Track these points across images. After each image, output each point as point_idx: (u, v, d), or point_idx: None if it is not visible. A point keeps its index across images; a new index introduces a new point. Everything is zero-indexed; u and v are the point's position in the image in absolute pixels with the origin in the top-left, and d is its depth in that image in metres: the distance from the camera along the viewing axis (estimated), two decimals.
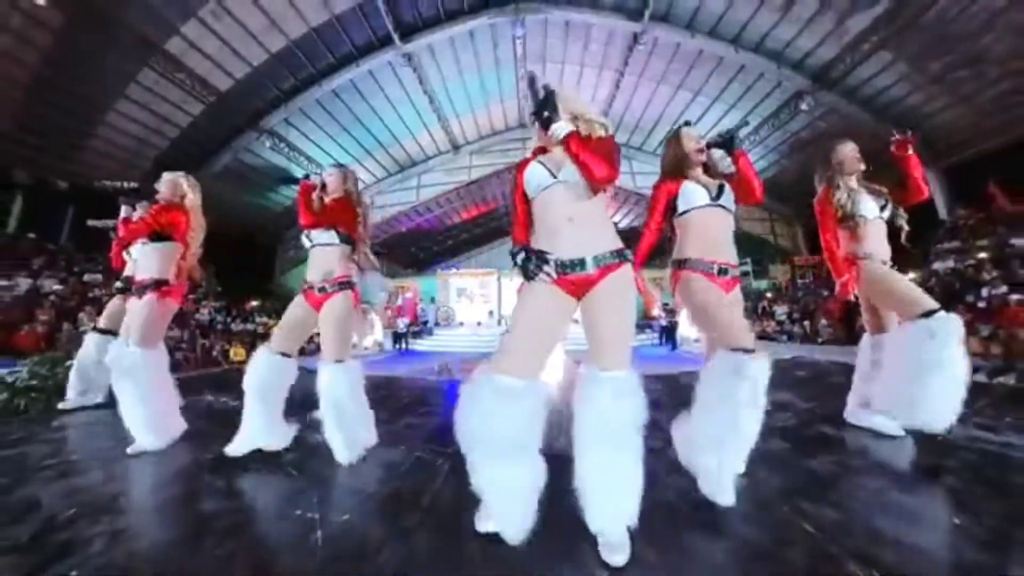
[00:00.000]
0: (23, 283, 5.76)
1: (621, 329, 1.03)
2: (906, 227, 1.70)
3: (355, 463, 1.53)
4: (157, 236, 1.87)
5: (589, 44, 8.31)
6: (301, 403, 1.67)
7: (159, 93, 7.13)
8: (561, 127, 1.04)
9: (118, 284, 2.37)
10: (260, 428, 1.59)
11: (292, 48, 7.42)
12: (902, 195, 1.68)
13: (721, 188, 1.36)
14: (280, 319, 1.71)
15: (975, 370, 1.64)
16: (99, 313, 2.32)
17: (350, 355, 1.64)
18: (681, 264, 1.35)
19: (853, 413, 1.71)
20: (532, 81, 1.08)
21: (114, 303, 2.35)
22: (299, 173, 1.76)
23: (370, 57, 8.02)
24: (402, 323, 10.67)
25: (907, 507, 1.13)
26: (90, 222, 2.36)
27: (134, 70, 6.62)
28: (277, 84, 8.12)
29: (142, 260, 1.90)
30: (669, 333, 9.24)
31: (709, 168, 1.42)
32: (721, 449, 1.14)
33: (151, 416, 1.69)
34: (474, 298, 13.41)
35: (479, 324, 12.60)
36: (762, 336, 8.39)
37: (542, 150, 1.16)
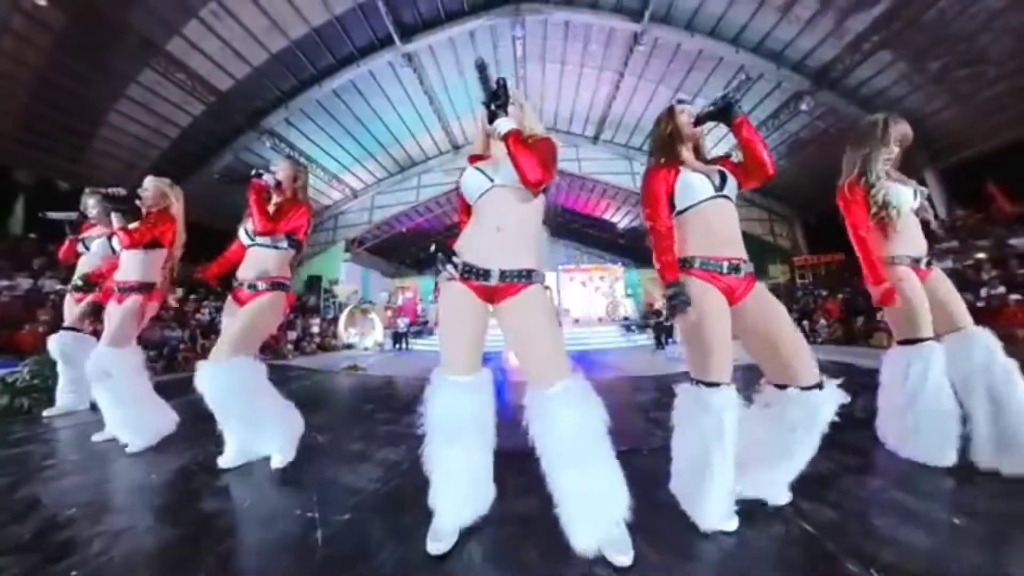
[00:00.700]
0: (24, 283, 5.76)
1: (546, 340, 1.02)
2: (933, 220, 1.53)
3: (287, 464, 1.47)
4: (150, 243, 1.90)
5: (589, 44, 8.31)
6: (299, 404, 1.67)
7: (160, 93, 7.13)
8: (504, 123, 1.02)
9: (77, 282, 2.34)
10: (247, 439, 1.52)
11: (293, 48, 7.42)
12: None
13: (723, 177, 1.16)
14: (286, 319, 1.70)
15: None
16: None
17: (251, 353, 1.46)
18: (682, 265, 1.14)
19: None
20: (482, 69, 1.01)
21: (68, 302, 2.36)
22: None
23: (370, 57, 8.02)
24: (402, 323, 10.66)
25: (906, 506, 1.13)
26: (49, 215, 2.33)
27: (135, 70, 6.62)
28: (278, 84, 8.12)
29: (129, 263, 1.90)
30: (658, 333, 9.26)
31: (698, 149, 1.24)
32: (700, 484, 1.02)
33: (132, 416, 1.69)
34: None
35: None
36: None
37: (478, 158, 1.17)
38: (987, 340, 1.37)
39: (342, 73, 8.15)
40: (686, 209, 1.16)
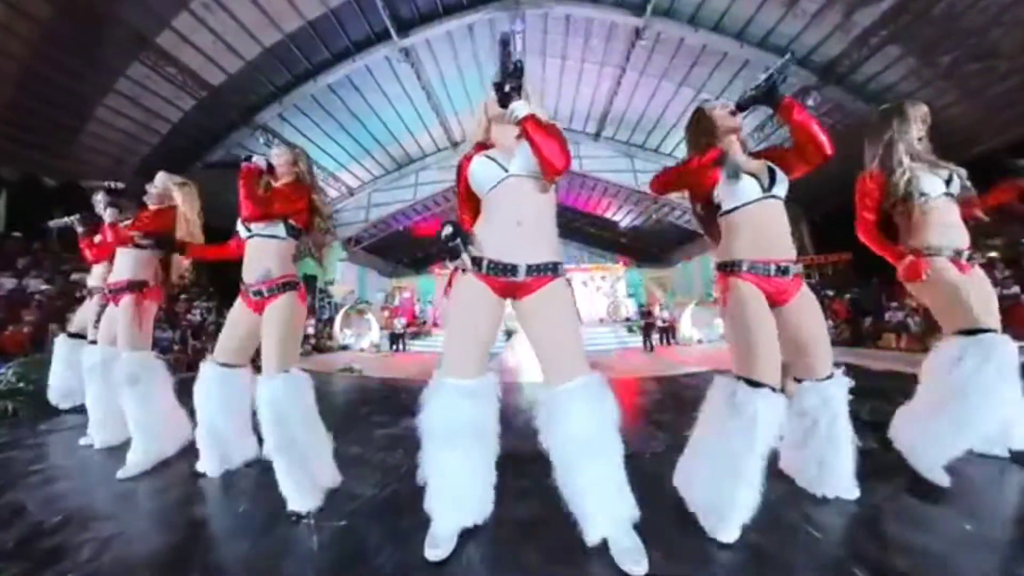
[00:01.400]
0: (7, 283, 5.74)
1: (567, 336, 1.02)
2: (977, 207, 1.46)
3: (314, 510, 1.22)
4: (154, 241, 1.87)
5: (590, 39, 8.30)
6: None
7: (150, 88, 7.10)
8: (521, 106, 0.98)
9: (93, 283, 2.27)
10: (233, 444, 1.51)
11: (287, 42, 7.40)
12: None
13: (772, 175, 1.12)
14: None
15: None
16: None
17: (297, 365, 1.40)
18: (730, 268, 1.13)
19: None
20: (506, 44, 0.95)
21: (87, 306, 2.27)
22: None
23: (367, 52, 8.01)
24: (399, 324, 10.65)
25: (917, 512, 1.13)
26: (51, 223, 2.27)
27: (124, 64, 6.59)
28: (271, 79, 8.10)
29: (120, 262, 1.89)
30: (647, 334, 9.31)
31: (743, 143, 1.21)
32: (718, 488, 1.01)
33: (155, 423, 1.65)
34: None
35: None
36: None
37: (482, 146, 1.13)
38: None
39: (337, 68, 8.13)
40: (733, 210, 1.16)
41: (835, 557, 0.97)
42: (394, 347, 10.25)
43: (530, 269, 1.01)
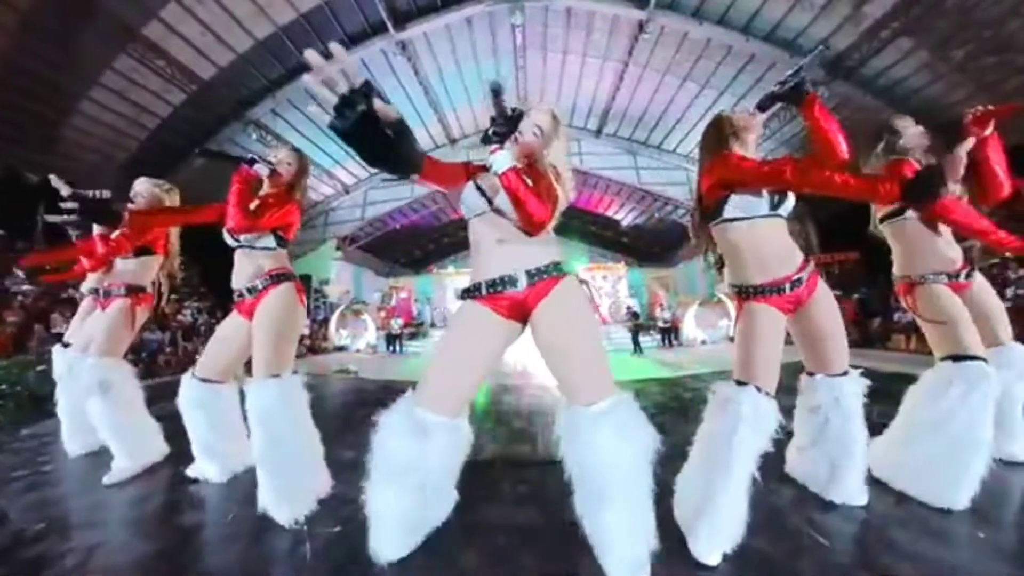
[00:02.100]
0: None
1: (587, 345, 0.93)
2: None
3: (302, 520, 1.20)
4: (141, 250, 1.84)
5: (592, 33, 8.30)
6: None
7: (137, 81, 7.08)
8: (503, 158, 0.92)
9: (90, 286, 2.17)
10: (225, 453, 1.49)
11: (280, 35, 7.38)
12: (976, 192, 1.33)
13: (783, 193, 1.11)
14: None
15: None
16: (73, 315, 2.27)
17: (290, 368, 1.33)
18: (748, 293, 1.13)
19: None
20: (497, 93, 0.88)
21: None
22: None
23: (362, 45, 7.99)
24: (396, 324, 10.64)
25: (927, 519, 1.13)
26: (48, 218, 2.18)
27: (110, 56, 6.56)
28: (264, 73, 8.09)
29: (118, 267, 1.86)
30: (635, 335, 9.36)
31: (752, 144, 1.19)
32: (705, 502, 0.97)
33: (129, 434, 1.61)
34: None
35: None
36: None
37: (484, 168, 1.07)
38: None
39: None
40: (733, 220, 1.13)
41: (842, 565, 0.97)
42: (391, 348, 10.23)
43: (530, 275, 0.96)
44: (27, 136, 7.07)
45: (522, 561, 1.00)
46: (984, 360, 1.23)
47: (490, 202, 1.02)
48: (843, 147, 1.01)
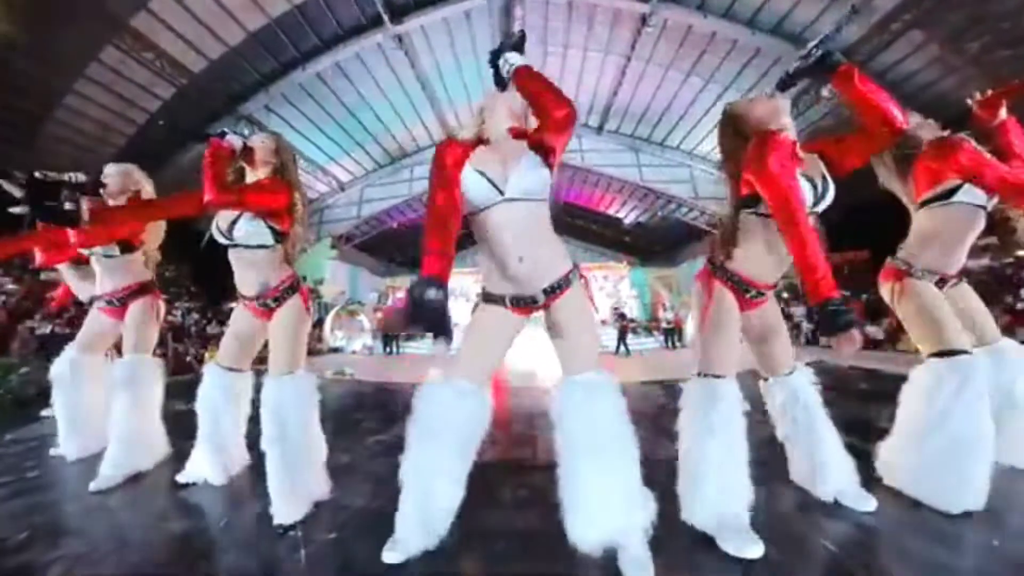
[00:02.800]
0: None
1: (582, 336, 1.09)
2: (1014, 217, 1.39)
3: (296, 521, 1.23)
4: (124, 247, 1.78)
5: (593, 26, 8.30)
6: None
7: (124, 74, 7.06)
8: (516, 56, 1.00)
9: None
10: (228, 452, 1.54)
11: (273, 27, 7.38)
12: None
13: (825, 182, 1.04)
14: None
15: None
16: (57, 315, 2.24)
17: (303, 367, 1.45)
18: (716, 271, 1.19)
19: None
20: (509, 9, 0.95)
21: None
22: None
23: (358, 38, 8.00)
24: None
25: (938, 525, 1.12)
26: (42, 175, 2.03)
27: (95, 48, 6.52)
28: (256, 66, 8.08)
29: (117, 270, 1.81)
30: (621, 336, 9.40)
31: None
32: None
33: (143, 434, 1.63)
34: (470, 298, 13.42)
35: None
36: None
37: (477, 143, 1.10)
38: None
39: (327, 55, 8.12)
40: (757, 212, 1.10)
41: (850, 572, 0.96)
42: (387, 350, 10.23)
43: (547, 292, 1.06)
44: (8, 131, 7.04)
45: (522, 567, 1.00)
46: (970, 353, 1.25)
47: (500, 192, 1.01)
48: (899, 116, 0.94)
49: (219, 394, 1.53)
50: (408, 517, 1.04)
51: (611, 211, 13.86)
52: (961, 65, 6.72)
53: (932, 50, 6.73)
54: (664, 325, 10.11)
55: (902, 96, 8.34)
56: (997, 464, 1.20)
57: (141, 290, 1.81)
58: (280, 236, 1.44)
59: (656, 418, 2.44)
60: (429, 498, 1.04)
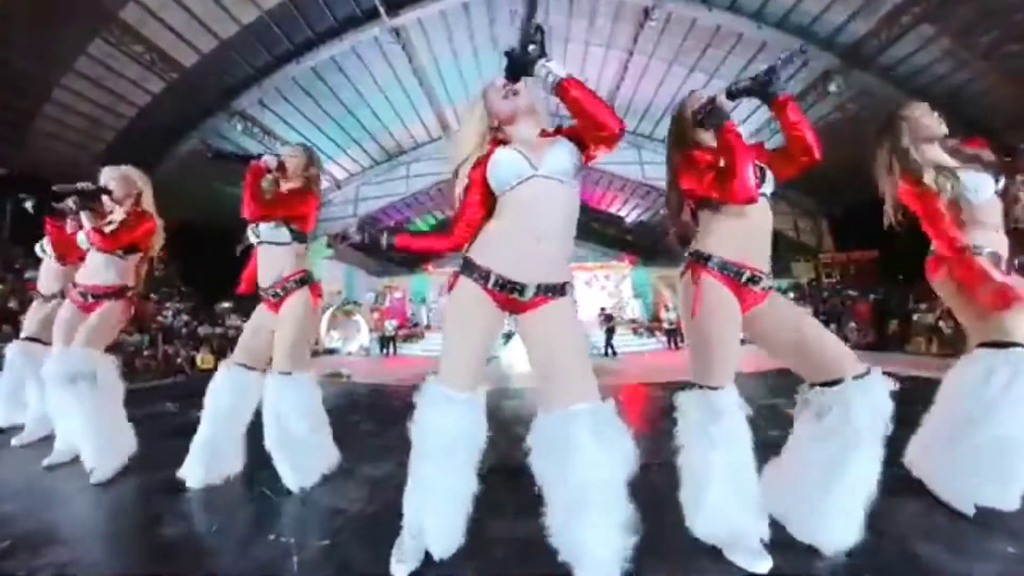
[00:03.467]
0: None
1: (576, 353, 1.00)
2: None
3: (308, 487, 1.45)
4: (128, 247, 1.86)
5: (595, 20, 8.30)
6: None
7: (114, 68, 7.03)
8: (558, 67, 0.94)
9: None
10: (226, 454, 1.55)
11: (266, 20, 7.36)
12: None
13: (762, 172, 1.11)
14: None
15: None
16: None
17: (306, 365, 1.58)
18: (700, 260, 1.12)
19: None
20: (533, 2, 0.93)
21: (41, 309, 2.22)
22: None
23: (354, 32, 7.98)
24: (391, 326, 10.64)
25: (951, 532, 1.12)
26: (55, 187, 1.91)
27: (83, 41, 6.50)
28: (249, 60, 8.06)
29: (100, 266, 1.85)
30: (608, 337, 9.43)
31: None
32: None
33: (104, 432, 1.63)
34: None
35: None
36: None
37: (497, 143, 1.09)
38: None
39: (322, 49, 8.11)
40: (719, 204, 1.11)
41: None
42: (384, 351, 10.23)
43: (539, 289, 1.01)
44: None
45: (521, 571, 0.99)
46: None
47: (534, 168, 1.01)
48: (815, 147, 1.07)
49: (227, 391, 1.56)
50: (414, 526, 1.03)
51: (612, 209, 13.88)
52: (971, 59, 6.71)
53: (942, 43, 6.72)
54: (666, 326, 10.11)
55: (913, 91, 8.37)
56: None
57: (118, 293, 1.85)
58: (300, 235, 1.62)
59: (657, 421, 2.44)
60: (432, 517, 1.02)
